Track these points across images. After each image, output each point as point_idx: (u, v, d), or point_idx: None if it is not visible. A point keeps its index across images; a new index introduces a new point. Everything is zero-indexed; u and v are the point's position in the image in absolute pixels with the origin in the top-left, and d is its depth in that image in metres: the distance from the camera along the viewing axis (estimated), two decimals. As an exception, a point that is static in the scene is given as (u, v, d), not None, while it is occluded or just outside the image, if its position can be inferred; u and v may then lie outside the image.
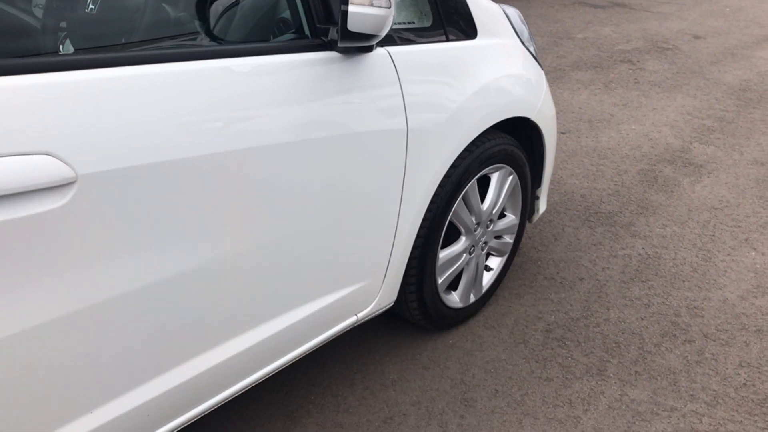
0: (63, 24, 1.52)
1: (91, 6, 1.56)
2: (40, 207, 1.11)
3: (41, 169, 1.09)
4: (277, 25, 1.67)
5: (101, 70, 1.19)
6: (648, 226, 3.10)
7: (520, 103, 2.17)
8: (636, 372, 2.19)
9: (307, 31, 1.57)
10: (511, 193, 2.34)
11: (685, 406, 2.06)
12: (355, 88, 1.61)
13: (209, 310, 1.47)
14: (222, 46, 1.47)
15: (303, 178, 1.54)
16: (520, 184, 2.36)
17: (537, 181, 2.52)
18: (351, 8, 1.37)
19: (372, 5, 1.39)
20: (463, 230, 2.18)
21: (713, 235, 3.04)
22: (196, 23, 1.55)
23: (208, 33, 1.58)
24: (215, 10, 1.60)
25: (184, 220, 1.33)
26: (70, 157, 1.13)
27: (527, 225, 2.95)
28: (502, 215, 2.39)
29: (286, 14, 1.64)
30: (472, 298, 2.36)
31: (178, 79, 1.29)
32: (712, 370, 2.21)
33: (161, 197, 1.27)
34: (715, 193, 3.44)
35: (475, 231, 2.22)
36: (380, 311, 2.01)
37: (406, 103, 1.74)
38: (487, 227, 2.28)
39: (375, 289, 1.93)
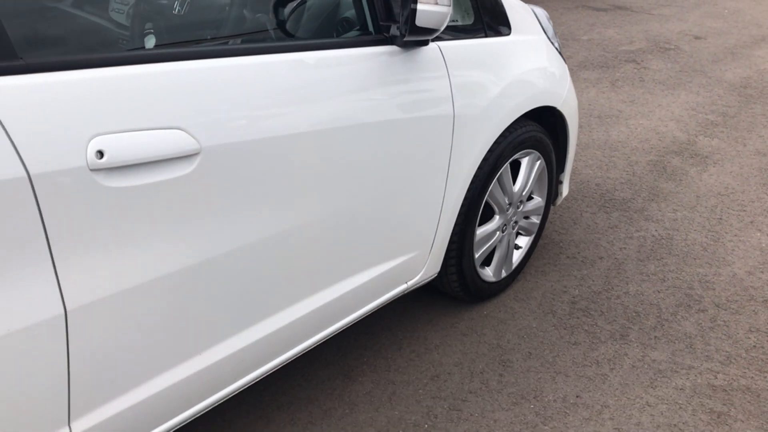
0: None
1: (178, 8, 1.78)
2: (171, 174, 1.33)
3: (173, 141, 1.32)
4: (340, 24, 1.90)
5: (217, 60, 1.41)
6: (660, 210, 3.33)
7: (547, 94, 2.40)
8: (655, 337, 2.42)
9: (371, 28, 1.79)
10: (538, 177, 2.56)
11: (702, 365, 2.28)
12: (412, 78, 1.84)
13: (291, 270, 1.69)
14: (307, 41, 1.69)
15: (369, 156, 1.76)
16: (547, 168, 2.58)
17: (560, 166, 2.74)
18: (419, 6, 1.60)
19: (437, 3, 1.62)
20: (497, 209, 2.40)
21: (721, 219, 3.26)
22: (272, 22, 1.78)
23: (282, 30, 1.81)
24: (288, 10, 1.83)
25: (276, 190, 1.55)
26: (196, 131, 1.35)
27: (550, 209, 3.16)
28: (529, 197, 2.61)
29: (349, 14, 1.87)
30: (504, 274, 2.58)
31: (275, 68, 1.52)
32: (725, 335, 2.43)
33: (260, 168, 1.49)
34: (720, 181, 3.67)
35: (507, 211, 2.45)
36: (425, 281, 2.23)
37: (453, 91, 1.97)
38: (518, 208, 2.51)
39: (423, 259, 2.15)
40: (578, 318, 2.50)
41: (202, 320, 1.50)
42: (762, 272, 2.82)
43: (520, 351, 2.33)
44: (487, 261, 2.54)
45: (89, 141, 1.20)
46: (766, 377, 2.22)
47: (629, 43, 6.69)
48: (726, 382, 2.21)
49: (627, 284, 2.72)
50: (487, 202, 2.34)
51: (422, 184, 1.98)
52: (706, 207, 3.38)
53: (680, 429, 2.01)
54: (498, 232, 2.45)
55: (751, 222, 3.24)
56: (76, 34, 1.42)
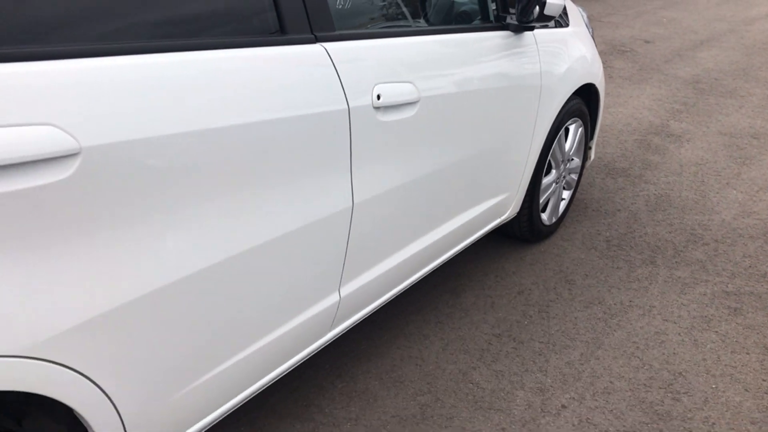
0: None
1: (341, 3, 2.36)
2: (405, 115, 1.91)
3: (408, 91, 1.90)
4: (459, 15, 2.51)
5: (419, 37, 2.01)
6: (654, 176, 4.06)
7: (591, 73, 3.08)
8: (676, 262, 3.12)
9: (491, 18, 2.42)
10: (578, 141, 3.23)
11: (714, 279, 2.99)
12: (519, 55, 2.47)
13: (448, 195, 2.28)
14: (453, 26, 2.29)
15: (494, 112, 2.38)
16: (584, 134, 3.26)
17: (590, 134, 3.42)
18: (549, 1, 2.24)
19: (558, -4, 2.26)
20: (554, 165, 3.05)
21: (703, 181, 4.02)
22: (415, 12, 2.37)
23: (425, 18, 2.41)
24: (429, 4, 2.43)
25: (448, 133, 2.14)
26: (419, 85, 1.94)
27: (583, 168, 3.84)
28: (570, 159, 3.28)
29: (467, 8, 2.49)
30: (553, 219, 3.24)
31: (445, 43, 2.12)
32: (726, 260, 3.16)
33: (445, 115, 2.09)
34: (695, 154, 4.45)
35: (559, 167, 3.10)
36: (509, 218, 2.86)
37: (541, 67, 2.61)
38: (565, 165, 3.17)
39: (512, 199, 2.78)
40: (615, 251, 3.18)
41: (410, 220, 2.09)
42: (743, 218, 3.57)
43: (578, 273, 2.99)
44: (542, 209, 3.18)
45: (374, 87, 1.78)
46: (762, 285, 2.95)
47: (591, 46, 7.50)
48: (735, 289, 2.92)
49: (644, 227, 3.42)
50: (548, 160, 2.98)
51: (520, 137, 2.61)
52: (689, 173, 4.13)
53: (710, 318, 2.71)
54: (554, 184, 3.11)
55: (727, 183, 4.01)
56: (362, 13, 1.99)
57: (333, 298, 1.89)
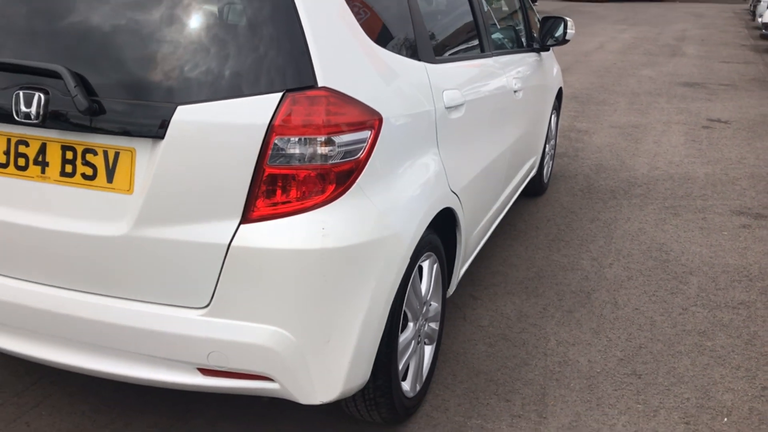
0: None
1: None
2: (518, 97, 3.41)
3: (510, 84, 3.41)
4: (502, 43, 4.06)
5: (507, 56, 3.53)
6: (585, 155, 5.81)
7: (561, 80, 4.74)
8: (628, 196, 4.79)
9: (524, 44, 3.99)
10: (556, 126, 4.86)
11: (655, 202, 4.69)
12: (541, 66, 4.06)
13: (517, 157, 3.78)
14: (515, 48, 3.83)
15: (534, 102, 3.93)
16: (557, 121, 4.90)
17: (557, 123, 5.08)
18: (569, 31, 3.84)
19: (572, 29, 3.86)
20: (546, 140, 4.65)
21: (618, 155, 5.82)
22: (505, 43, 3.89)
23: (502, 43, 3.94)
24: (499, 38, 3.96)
25: (517, 115, 3.65)
26: (518, 81, 3.45)
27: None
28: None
29: (510, 37, 4.05)
30: (546, 180, 4.83)
31: (521, 58, 3.65)
32: (656, 192, 4.89)
33: (523, 101, 3.60)
34: (604, 140, 6.27)
35: (550, 141, 4.71)
36: (534, 174, 4.41)
37: (547, 74, 4.21)
38: (551, 142, 4.78)
39: (537, 160, 4.33)
40: (588, 195, 4.82)
41: (518, 158, 3.56)
42: (654, 171, 5.37)
43: (575, 207, 4.57)
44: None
45: (513, 79, 3.26)
46: (683, 201, 4.69)
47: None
48: (670, 204, 4.63)
49: (598, 182, 5.10)
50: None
51: (542, 117, 4.18)
52: (606, 151, 5.93)
53: (664, 219, 4.38)
54: (547, 155, 4.71)
55: (634, 154, 5.84)
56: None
57: (503, 195, 3.32)
